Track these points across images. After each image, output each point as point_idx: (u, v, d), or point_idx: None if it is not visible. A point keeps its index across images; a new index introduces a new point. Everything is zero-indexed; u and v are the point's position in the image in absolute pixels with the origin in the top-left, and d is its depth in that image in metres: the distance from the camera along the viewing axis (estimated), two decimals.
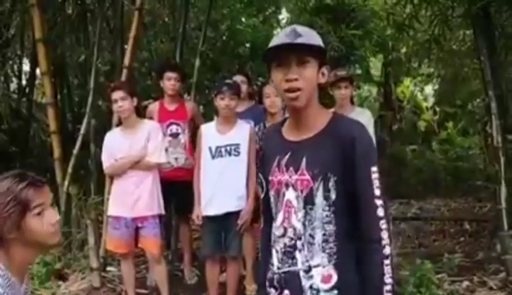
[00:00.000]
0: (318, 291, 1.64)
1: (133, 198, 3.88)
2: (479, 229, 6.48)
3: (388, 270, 1.58)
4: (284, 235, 1.70)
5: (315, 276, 1.65)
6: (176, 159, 4.51)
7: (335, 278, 1.64)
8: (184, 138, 4.57)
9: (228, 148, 3.82)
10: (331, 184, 1.62)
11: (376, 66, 11.89)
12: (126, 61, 5.02)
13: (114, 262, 4.91)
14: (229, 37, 9.66)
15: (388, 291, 1.57)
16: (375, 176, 1.62)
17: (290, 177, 1.68)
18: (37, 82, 8.40)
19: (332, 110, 4.23)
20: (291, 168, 1.68)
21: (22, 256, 1.63)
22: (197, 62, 6.33)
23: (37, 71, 7.36)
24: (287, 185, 1.69)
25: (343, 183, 1.62)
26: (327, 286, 1.64)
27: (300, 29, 1.66)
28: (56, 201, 5.44)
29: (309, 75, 1.64)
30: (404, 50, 10.54)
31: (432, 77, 11.94)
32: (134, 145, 3.92)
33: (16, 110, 7.75)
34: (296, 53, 1.63)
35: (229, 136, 3.86)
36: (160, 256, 4.06)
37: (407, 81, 11.91)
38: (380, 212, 1.61)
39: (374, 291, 1.58)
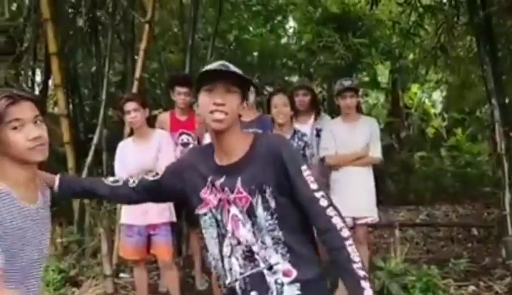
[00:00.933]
0: (282, 284, 1.74)
1: (145, 206, 3.94)
2: (486, 235, 6.51)
3: (352, 249, 1.64)
4: (239, 244, 1.78)
5: (278, 272, 1.75)
6: None
7: (294, 272, 1.74)
8: None
9: None
10: (267, 194, 1.72)
11: (383, 73, 11.90)
12: (137, 73, 5.11)
13: (127, 268, 5.01)
14: (237, 46, 9.78)
15: (359, 268, 1.62)
16: (306, 173, 1.73)
17: (228, 196, 1.78)
18: (49, 92, 8.54)
19: (328, 119, 4.41)
20: (226, 188, 1.78)
21: (12, 170, 1.66)
22: None
23: (50, 82, 7.52)
24: (228, 202, 1.78)
25: (278, 190, 1.72)
26: (289, 279, 1.74)
27: (229, 64, 1.79)
28: (70, 211, 5.59)
29: (234, 104, 1.76)
30: (411, 56, 10.54)
31: (440, 84, 11.93)
32: (146, 155, 4.01)
33: None
34: (224, 81, 1.75)
35: None
36: (172, 263, 4.13)
37: (414, 88, 11.94)
38: (323, 202, 1.69)
39: (346, 273, 1.63)
